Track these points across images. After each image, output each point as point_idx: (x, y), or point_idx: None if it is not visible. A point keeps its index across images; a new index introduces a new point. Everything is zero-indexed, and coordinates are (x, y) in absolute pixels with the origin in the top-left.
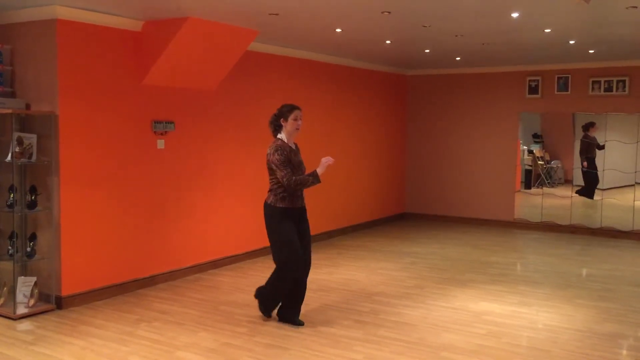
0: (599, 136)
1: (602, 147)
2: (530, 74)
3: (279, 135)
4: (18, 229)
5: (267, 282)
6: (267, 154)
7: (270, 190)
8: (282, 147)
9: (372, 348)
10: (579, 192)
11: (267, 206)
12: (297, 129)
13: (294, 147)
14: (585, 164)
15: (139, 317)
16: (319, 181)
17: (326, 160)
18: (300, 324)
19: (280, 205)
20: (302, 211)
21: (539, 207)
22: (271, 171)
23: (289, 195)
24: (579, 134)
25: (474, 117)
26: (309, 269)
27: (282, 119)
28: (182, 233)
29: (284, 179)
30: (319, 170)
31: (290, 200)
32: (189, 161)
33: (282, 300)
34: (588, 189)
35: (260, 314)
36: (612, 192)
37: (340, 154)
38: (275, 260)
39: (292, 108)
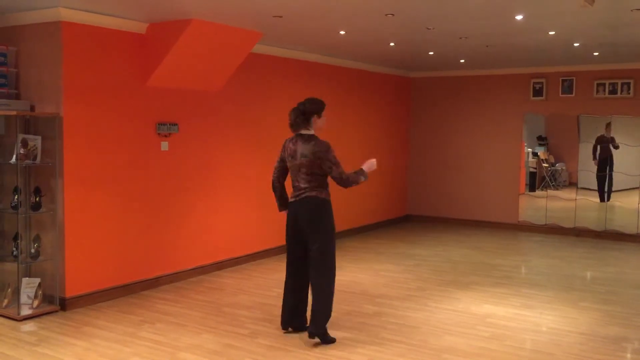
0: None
1: (617, 147)
2: (534, 76)
3: (309, 132)
4: (22, 231)
5: (318, 302)
6: (315, 152)
7: (318, 187)
8: (330, 145)
9: (375, 350)
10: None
11: (322, 201)
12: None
13: None
14: (596, 161)
15: (142, 319)
16: (366, 178)
17: (371, 163)
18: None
19: (329, 199)
20: None
21: (543, 210)
22: (317, 168)
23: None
24: (584, 136)
25: (478, 120)
26: None
27: (314, 116)
28: (186, 235)
29: (343, 175)
30: (366, 168)
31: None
32: (193, 163)
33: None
34: (600, 190)
35: (328, 344)
36: (616, 195)
37: (343, 156)
38: (329, 265)
39: (324, 104)
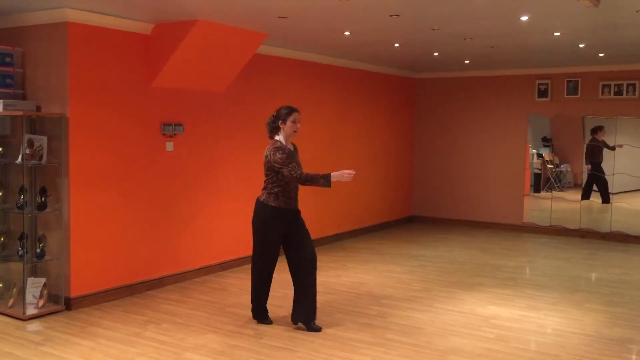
0: (609, 140)
1: (613, 148)
2: (539, 77)
3: (276, 137)
4: (28, 230)
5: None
6: (266, 155)
7: (264, 189)
8: (282, 148)
9: (380, 351)
10: (583, 198)
11: (259, 203)
12: (295, 131)
13: (292, 148)
14: (589, 167)
15: (147, 319)
16: (329, 185)
17: (349, 174)
18: (315, 329)
19: (273, 204)
20: (295, 213)
21: (548, 211)
22: (270, 171)
23: (283, 195)
24: (589, 137)
25: (483, 120)
26: (314, 267)
27: (280, 121)
28: (191, 235)
29: (293, 173)
30: (334, 176)
31: (284, 200)
32: (198, 163)
33: (294, 302)
34: (602, 192)
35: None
36: (622, 197)
37: (348, 157)
38: (252, 261)
39: (290, 110)
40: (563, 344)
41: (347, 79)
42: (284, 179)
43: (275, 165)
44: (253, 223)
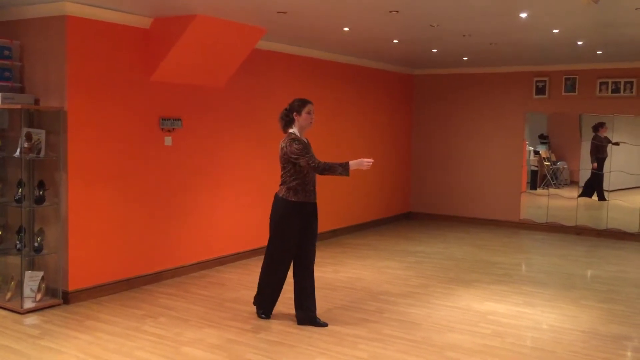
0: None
1: (617, 144)
2: (537, 74)
3: (290, 130)
4: (26, 224)
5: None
6: (282, 147)
7: (282, 184)
8: (298, 138)
9: (377, 347)
10: (582, 195)
11: (278, 199)
12: (311, 122)
13: (306, 141)
14: (595, 165)
15: (144, 313)
16: (347, 174)
17: (368, 162)
18: (321, 324)
19: (293, 199)
20: (314, 206)
21: (545, 208)
22: (286, 164)
23: (303, 188)
24: (586, 135)
25: (481, 117)
26: (311, 265)
27: (294, 113)
28: (189, 230)
29: (310, 162)
30: (352, 164)
31: (303, 194)
32: (196, 158)
33: (296, 302)
34: (598, 190)
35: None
36: (618, 194)
37: (345, 153)
38: (267, 254)
39: (304, 102)
40: (559, 340)
41: (345, 74)
42: (302, 170)
43: (292, 156)
44: (272, 218)
